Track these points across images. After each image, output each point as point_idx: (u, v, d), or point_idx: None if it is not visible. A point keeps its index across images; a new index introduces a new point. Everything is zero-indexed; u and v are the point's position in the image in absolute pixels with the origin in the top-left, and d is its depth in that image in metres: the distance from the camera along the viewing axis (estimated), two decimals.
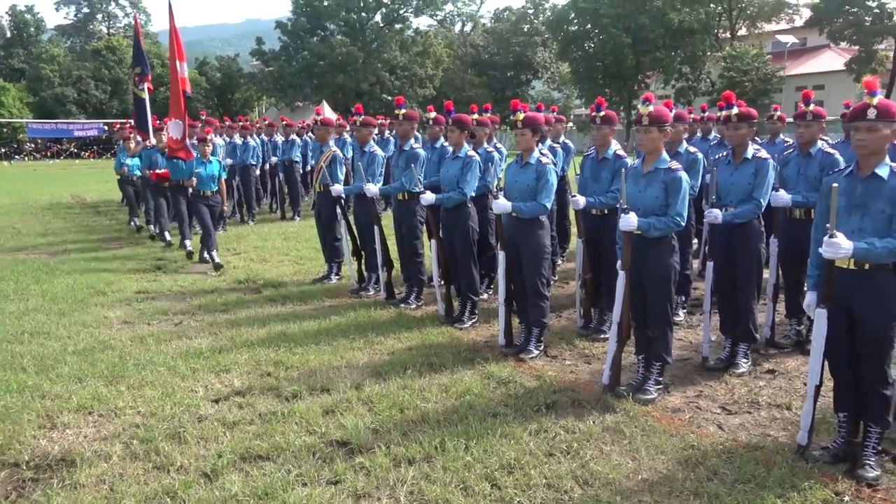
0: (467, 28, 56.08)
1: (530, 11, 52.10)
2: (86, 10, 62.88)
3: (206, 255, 8.48)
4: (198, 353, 5.10)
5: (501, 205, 4.86)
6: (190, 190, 8.79)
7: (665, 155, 4.14)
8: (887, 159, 3.19)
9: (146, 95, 10.69)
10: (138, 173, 11.13)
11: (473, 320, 5.85)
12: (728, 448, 3.54)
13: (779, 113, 7.34)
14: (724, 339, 4.85)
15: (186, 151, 8.77)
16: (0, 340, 5.46)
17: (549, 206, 4.87)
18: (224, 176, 8.99)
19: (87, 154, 46.78)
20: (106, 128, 45.71)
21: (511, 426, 3.78)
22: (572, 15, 41.84)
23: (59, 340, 5.48)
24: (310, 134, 13.27)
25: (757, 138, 8.62)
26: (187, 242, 9.11)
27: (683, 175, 4.06)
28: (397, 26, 49.03)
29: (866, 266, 3.15)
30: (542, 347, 5.12)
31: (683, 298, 6.04)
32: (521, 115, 4.87)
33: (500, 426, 3.78)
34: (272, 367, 4.80)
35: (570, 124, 39.52)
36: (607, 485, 3.19)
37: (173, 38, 9.07)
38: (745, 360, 4.68)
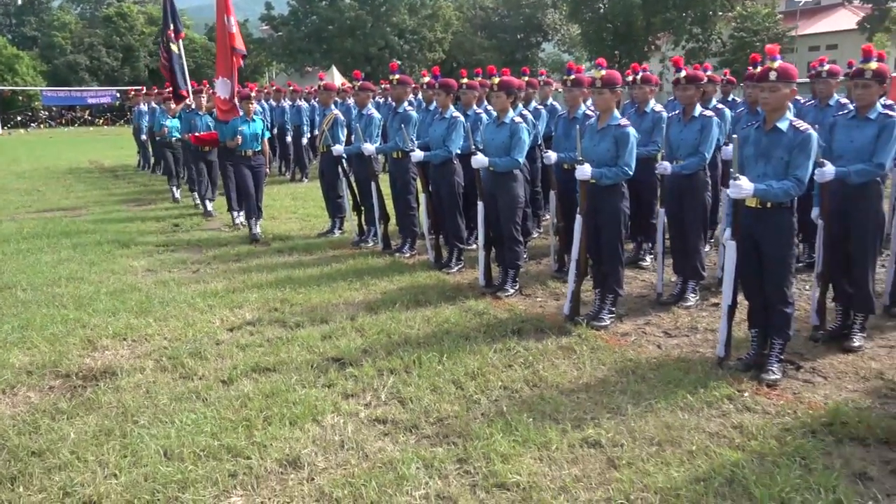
0: None
1: None
2: None
3: (238, 220, 8.78)
4: (214, 294, 5.81)
5: (480, 160, 5.48)
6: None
7: (616, 113, 4.73)
8: (788, 114, 3.77)
9: (180, 50, 10.46)
10: (177, 135, 10.67)
11: (460, 266, 6.51)
12: (660, 361, 4.20)
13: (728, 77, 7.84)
14: (677, 277, 5.49)
15: (235, 111, 8.37)
16: (41, 284, 6.20)
17: (521, 160, 5.48)
18: (268, 136, 8.59)
19: (100, 121, 47.54)
20: (118, 95, 46.38)
21: (479, 345, 4.46)
22: None
23: (92, 284, 6.20)
24: (316, 99, 13.82)
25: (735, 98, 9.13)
26: (235, 214, 8.99)
27: (631, 130, 4.65)
28: None
29: (768, 205, 3.76)
30: (518, 287, 5.78)
31: (650, 245, 6.65)
32: (496, 80, 5.46)
33: (470, 345, 4.46)
34: (279, 304, 5.50)
35: None
36: (552, 386, 3.87)
37: None
38: (693, 295, 5.32)
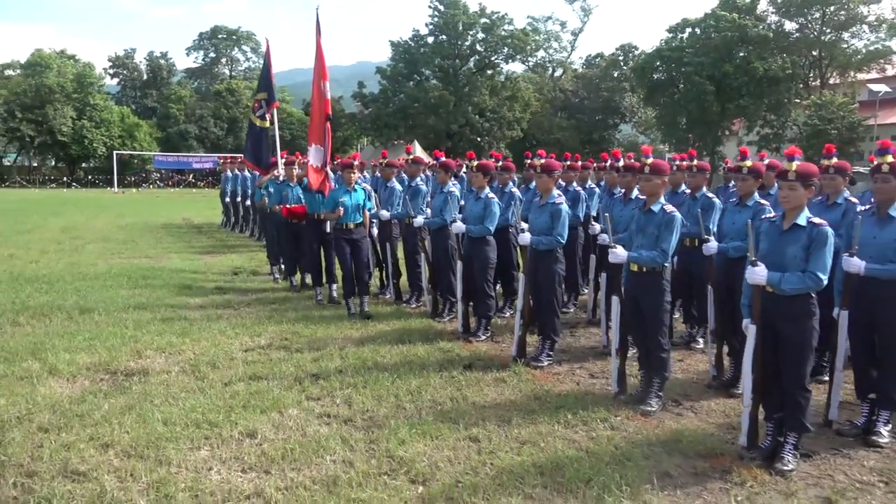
0: (557, 73, 58.03)
1: (620, 58, 53.49)
2: (212, 54, 69.86)
3: (335, 298, 8.28)
4: (243, 325, 7.15)
5: (458, 226, 6.67)
6: (329, 224, 7.94)
7: (555, 192, 5.85)
8: (661, 200, 4.78)
9: (267, 125, 10.37)
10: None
11: (451, 316, 7.61)
12: (568, 392, 5.14)
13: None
14: None
15: (328, 180, 8.03)
16: (113, 310, 7.74)
17: (492, 228, 6.62)
18: (370, 206, 8.07)
19: (202, 184, 52.05)
20: (220, 161, 50.87)
21: (429, 373, 5.53)
22: (657, 63, 42.95)
23: (152, 312, 7.70)
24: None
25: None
26: (319, 290, 8.61)
27: (564, 206, 5.74)
28: (488, 72, 51.66)
29: (644, 269, 4.74)
30: (489, 334, 6.82)
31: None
32: (474, 163, 6.70)
33: (422, 371, 5.54)
34: (290, 335, 6.76)
35: None
36: (470, 403, 4.89)
37: (319, 56, 8.47)
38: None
